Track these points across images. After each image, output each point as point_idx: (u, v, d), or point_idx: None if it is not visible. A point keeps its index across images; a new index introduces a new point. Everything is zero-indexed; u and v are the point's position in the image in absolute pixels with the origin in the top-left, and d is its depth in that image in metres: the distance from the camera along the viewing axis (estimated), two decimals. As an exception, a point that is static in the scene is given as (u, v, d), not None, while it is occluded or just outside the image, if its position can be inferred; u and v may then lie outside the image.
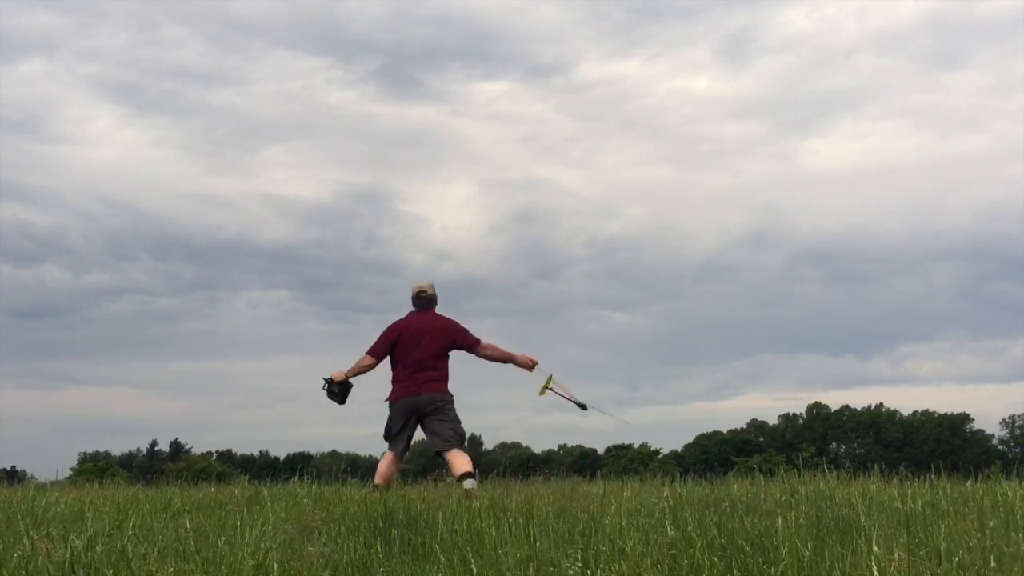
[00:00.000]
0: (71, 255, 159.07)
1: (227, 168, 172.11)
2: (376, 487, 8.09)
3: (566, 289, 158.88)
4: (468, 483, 7.86)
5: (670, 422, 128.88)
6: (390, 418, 8.43)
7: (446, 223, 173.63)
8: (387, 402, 8.44)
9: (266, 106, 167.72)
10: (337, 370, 8.42)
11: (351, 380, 8.49)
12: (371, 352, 8.40)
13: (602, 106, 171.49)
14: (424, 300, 8.51)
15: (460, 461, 8.10)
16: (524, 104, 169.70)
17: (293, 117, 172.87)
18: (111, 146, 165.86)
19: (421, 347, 8.31)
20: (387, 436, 8.47)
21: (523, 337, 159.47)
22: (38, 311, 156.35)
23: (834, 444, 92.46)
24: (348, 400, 8.55)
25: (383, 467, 8.41)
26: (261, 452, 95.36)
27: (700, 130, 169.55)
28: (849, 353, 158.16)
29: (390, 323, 8.50)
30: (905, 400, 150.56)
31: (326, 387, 8.43)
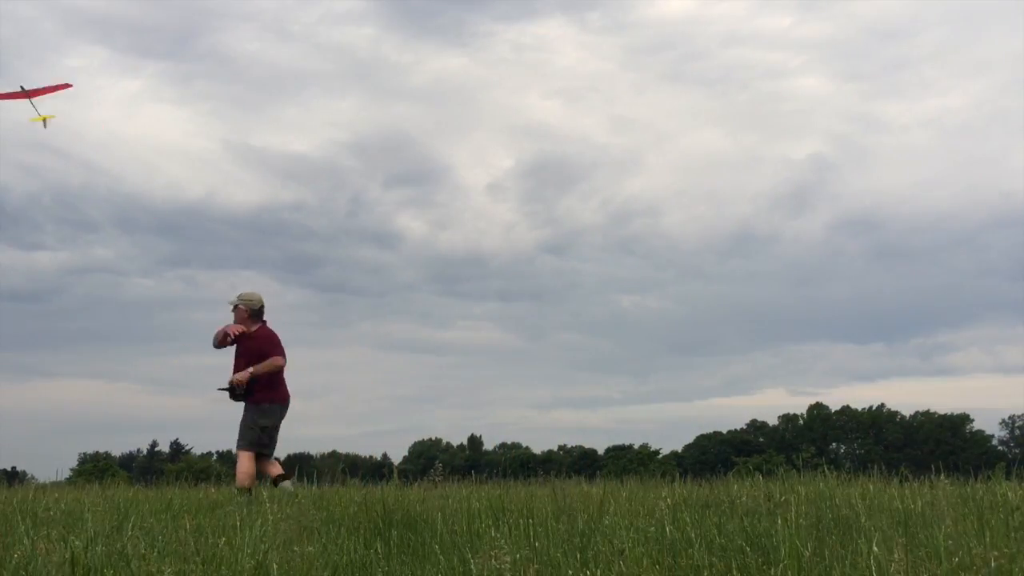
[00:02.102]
0: (18, 224, 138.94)
1: (192, 115, 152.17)
2: (243, 491, 8.23)
3: (576, 267, 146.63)
4: (288, 484, 8.58)
5: (682, 420, 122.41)
6: (270, 419, 8.73)
7: (446, 183, 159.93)
8: (274, 404, 8.79)
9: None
10: (239, 374, 8.72)
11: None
12: (282, 355, 8.93)
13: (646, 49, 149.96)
14: (262, 311, 9.09)
15: (276, 466, 8.87)
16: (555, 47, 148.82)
17: (277, 56, 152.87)
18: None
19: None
20: (261, 442, 8.70)
21: (529, 325, 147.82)
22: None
23: (834, 444, 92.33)
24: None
25: (250, 467, 8.59)
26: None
27: (752, 79, 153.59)
28: (879, 341, 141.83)
29: (271, 330, 9.01)
30: (924, 397, 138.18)
31: (240, 392, 8.78)
